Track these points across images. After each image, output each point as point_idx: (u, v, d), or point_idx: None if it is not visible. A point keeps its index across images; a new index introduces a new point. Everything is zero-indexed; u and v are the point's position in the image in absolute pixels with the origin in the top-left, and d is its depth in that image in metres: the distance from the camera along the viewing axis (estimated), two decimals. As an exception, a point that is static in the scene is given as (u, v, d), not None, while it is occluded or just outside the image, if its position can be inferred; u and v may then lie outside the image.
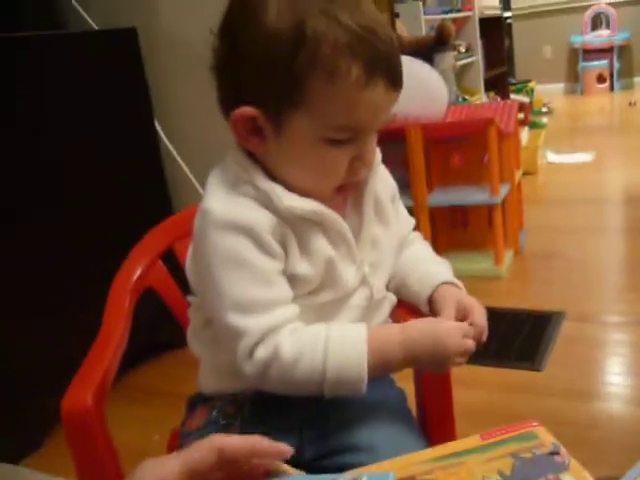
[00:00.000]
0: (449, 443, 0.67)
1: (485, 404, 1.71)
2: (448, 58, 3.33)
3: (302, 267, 0.81)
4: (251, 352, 0.77)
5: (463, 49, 4.25)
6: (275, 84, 0.75)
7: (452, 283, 0.91)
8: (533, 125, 4.99)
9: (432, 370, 0.82)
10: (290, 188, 0.81)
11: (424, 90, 2.59)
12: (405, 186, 2.63)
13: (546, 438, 0.66)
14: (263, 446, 0.54)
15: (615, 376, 1.94)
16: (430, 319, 0.86)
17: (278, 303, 0.79)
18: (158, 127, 2.15)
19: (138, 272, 1.13)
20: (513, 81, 5.96)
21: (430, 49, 3.15)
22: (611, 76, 6.83)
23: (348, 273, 0.85)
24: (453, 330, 0.80)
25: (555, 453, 0.64)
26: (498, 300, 2.43)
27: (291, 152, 0.79)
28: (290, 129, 0.77)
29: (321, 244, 0.82)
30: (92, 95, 1.97)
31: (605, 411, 1.75)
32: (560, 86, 7.25)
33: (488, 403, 1.75)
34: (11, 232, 1.82)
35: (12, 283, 1.82)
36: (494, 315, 2.23)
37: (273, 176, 0.81)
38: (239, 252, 0.78)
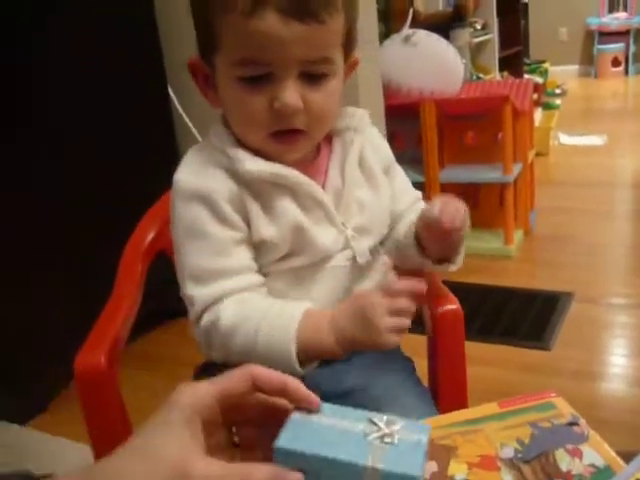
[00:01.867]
0: (467, 409, 0.67)
1: (493, 381, 1.71)
2: (464, 34, 3.30)
3: (268, 231, 0.81)
4: (197, 319, 0.80)
5: (479, 26, 4.20)
6: (200, 32, 0.80)
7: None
8: (546, 106, 4.94)
9: (371, 348, 0.77)
10: (253, 150, 0.81)
11: (440, 65, 2.57)
12: (417, 162, 2.61)
13: (565, 409, 0.65)
14: (294, 386, 0.54)
15: (621, 357, 1.94)
16: (357, 297, 0.78)
17: (231, 273, 0.80)
18: (170, 92, 2.13)
19: (150, 236, 1.13)
20: (527, 61, 5.89)
21: (447, 24, 3.11)
22: (626, 60, 6.75)
23: (325, 237, 0.84)
24: (378, 309, 0.74)
25: (574, 424, 0.63)
26: (507, 279, 2.42)
27: (224, 100, 0.81)
28: (218, 75, 0.80)
29: (287, 208, 0.82)
30: (103, 54, 1.95)
31: (611, 391, 1.76)
32: (574, 68, 7.17)
33: (496, 380, 1.75)
34: (17, 196, 1.81)
35: (16, 248, 1.82)
36: (503, 294, 2.27)
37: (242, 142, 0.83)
38: (197, 222, 0.80)
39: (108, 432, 0.90)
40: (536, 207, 2.95)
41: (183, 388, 0.53)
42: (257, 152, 0.81)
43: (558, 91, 5.91)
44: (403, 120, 2.60)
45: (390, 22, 3.04)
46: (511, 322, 2.12)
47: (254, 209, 0.81)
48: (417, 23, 2.91)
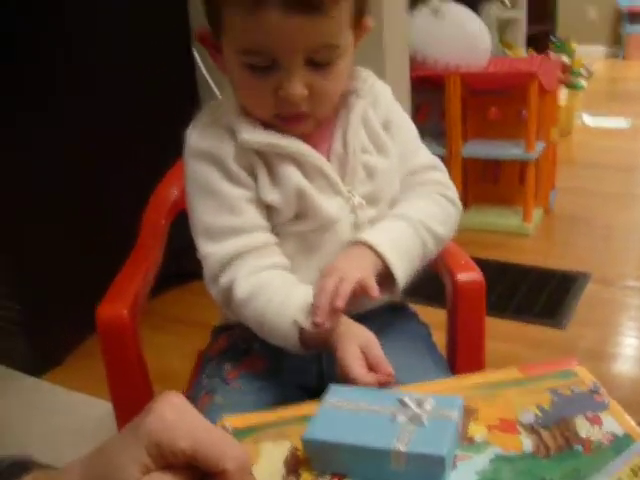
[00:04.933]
0: (487, 372, 0.67)
1: (507, 357, 1.71)
2: (493, 9, 3.25)
3: (272, 195, 0.82)
4: (215, 277, 0.82)
5: (508, 2, 4.13)
6: (208, 10, 0.79)
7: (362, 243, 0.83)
8: (571, 86, 4.87)
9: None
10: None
11: (467, 39, 2.53)
12: (440, 135, 2.59)
13: (586, 377, 0.66)
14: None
15: (636, 339, 1.94)
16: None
17: (243, 230, 0.81)
18: (195, 54, 2.13)
19: (174, 193, 1.13)
20: (554, 40, 5.80)
21: (476, -2, 3.07)
22: (656, 42, 6.63)
23: (329, 204, 0.84)
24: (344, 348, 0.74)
25: (595, 392, 0.64)
26: (524, 257, 2.42)
27: (230, 77, 0.81)
28: (224, 53, 0.80)
29: (290, 174, 0.82)
30: (130, 17, 1.94)
31: (624, 372, 1.76)
32: (601, 49, 7.05)
33: (510, 356, 1.76)
34: (48, 138, 1.82)
35: (40, 196, 1.83)
36: (519, 271, 2.26)
37: None
38: (208, 180, 0.82)
39: (129, 384, 0.91)
40: (556, 187, 2.93)
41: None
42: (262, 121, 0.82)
43: (583, 71, 5.82)
44: (427, 92, 2.58)
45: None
46: (526, 300, 2.12)
47: (261, 171, 0.82)
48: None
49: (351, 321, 0.77)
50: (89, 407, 1.71)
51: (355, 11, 0.78)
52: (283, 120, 0.81)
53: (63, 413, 1.72)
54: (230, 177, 0.82)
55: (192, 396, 0.87)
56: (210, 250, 0.82)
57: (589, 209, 2.87)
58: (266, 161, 0.82)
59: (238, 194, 0.82)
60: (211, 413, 0.77)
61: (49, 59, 1.79)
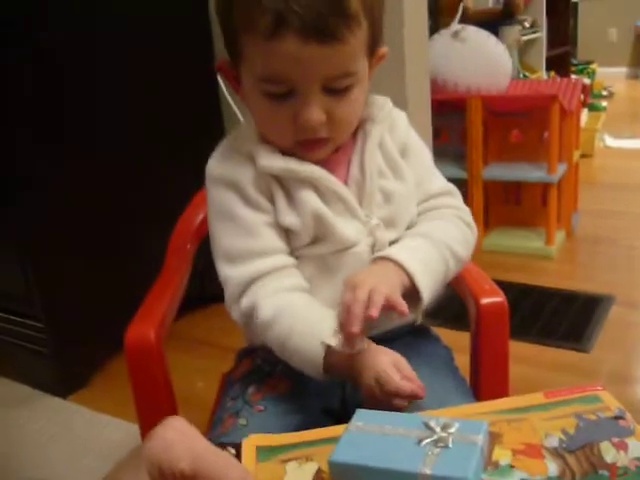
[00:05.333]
0: (512, 397, 0.68)
1: (530, 380, 1.69)
2: (514, 32, 3.26)
3: (289, 219, 0.84)
4: (236, 300, 0.84)
5: (528, 24, 4.15)
6: (226, 39, 0.81)
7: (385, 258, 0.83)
8: (592, 108, 4.87)
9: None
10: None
11: (488, 62, 2.55)
12: (461, 158, 2.60)
13: (611, 402, 0.66)
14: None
15: (661, 364, 1.91)
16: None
17: (261, 253, 0.83)
18: (220, 80, 2.16)
19: (199, 218, 1.15)
20: (575, 62, 5.81)
21: (496, 21, 3.09)
22: (677, 63, 6.61)
23: (347, 228, 0.85)
24: (370, 373, 0.75)
25: (620, 417, 0.63)
26: (547, 279, 2.40)
27: (249, 105, 0.84)
28: (243, 81, 0.82)
29: (308, 198, 0.83)
30: (153, 37, 1.98)
31: (650, 397, 1.74)
32: (622, 70, 7.03)
33: (533, 380, 1.74)
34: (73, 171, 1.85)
35: (65, 222, 1.86)
36: (542, 293, 2.25)
37: None
38: (227, 205, 0.84)
39: (155, 405, 0.92)
40: (579, 209, 2.92)
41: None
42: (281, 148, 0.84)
43: (605, 93, 5.81)
44: (448, 116, 2.59)
45: (439, 17, 3.03)
46: (549, 322, 2.10)
47: (279, 196, 0.84)
48: (466, 19, 2.89)
49: (376, 345, 0.77)
50: (111, 429, 1.72)
51: (370, 40, 0.79)
52: (302, 146, 0.82)
53: (85, 434, 1.73)
54: (249, 202, 0.84)
55: (217, 418, 0.88)
56: (230, 273, 0.84)
57: (612, 231, 2.85)
58: (284, 186, 0.84)
59: (257, 218, 0.84)
60: (235, 434, 0.78)
61: (79, 82, 1.83)
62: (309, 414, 0.82)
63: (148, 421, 0.93)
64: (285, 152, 0.84)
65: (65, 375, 1.91)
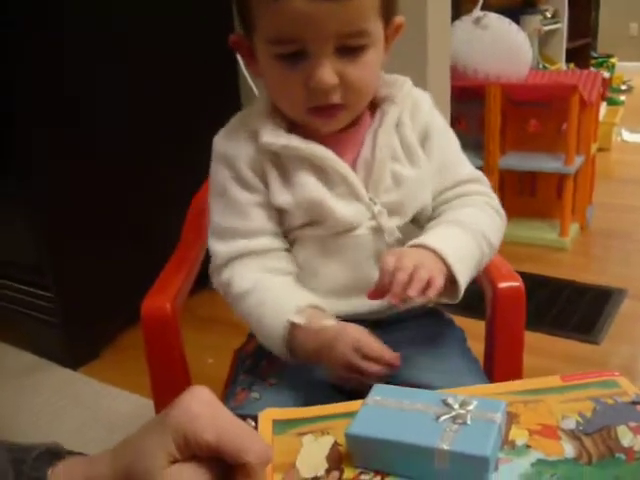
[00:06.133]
0: (528, 379, 0.67)
1: (541, 370, 1.66)
2: (534, 21, 3.23)
3: (282, 199, 0.84)
4: (218, 272, 0.87)
5: (549, 14, 4.11)
6: (239, 11, 0.81)
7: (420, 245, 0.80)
8: (611, 101, 4.83)
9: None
10: (291, 120, 0.84)
11: (509, 50, 2.53)
12: (478, 146, 2.59)
13: (629, 388, 0.65)
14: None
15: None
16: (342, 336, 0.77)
17: (247, 234, 0.84)
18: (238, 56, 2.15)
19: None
20: (594, 55, 5.75)
21: (518, 9, 3.06)
22: (698, 59, 6.53)
23: (346, 210, 0.83)
24: (347, 341, 0.75)
25: (637, 403, 0.63)
26: (560, 271, 2.39)
27: (264, 76, 0.83)
28: (257, 52, 0.81)
29: (306, 180, 0.83)
30: (174, 17, 1.99)
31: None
32: (642, 65, 6.96)
33: (544, 370, 1.70)
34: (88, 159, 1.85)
35: (83, 198, 1.87)
36: (554, 285, 2.24)
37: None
38: (222, 182, 0.86)
39: (170, 376, 0.93)
40: (594, 202, 2.90)
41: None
42: (294, 122, 0.84)
43: (624, 87, 5.76)
44: (467, 103, 2.57)
45: (461, 3, 3.00)
46: (561, 314, 2.10)
47: (272, 175, 0.84)
48: (488, 6, 2.86)
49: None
50: (120, 401, 1.73)
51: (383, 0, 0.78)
52: (316, 114, 0.80)
53: (94, 406, 1.74)
54: (241, 181, 0.85)
55: (229, 393, 0.88)
56: (216, 248, 0.87)
57: (627, 225, 2.83)
58: (282, 165, 0.84)
59: (247, 198, 0.85)
60: (249, 407, 0.79)
61: (98, 67, 1.83)
62: (320, 388, 0.82)
63: (162, 392, 0.94)
64: (292, 129, 0.84)
65: (75, 346, 1.93)
